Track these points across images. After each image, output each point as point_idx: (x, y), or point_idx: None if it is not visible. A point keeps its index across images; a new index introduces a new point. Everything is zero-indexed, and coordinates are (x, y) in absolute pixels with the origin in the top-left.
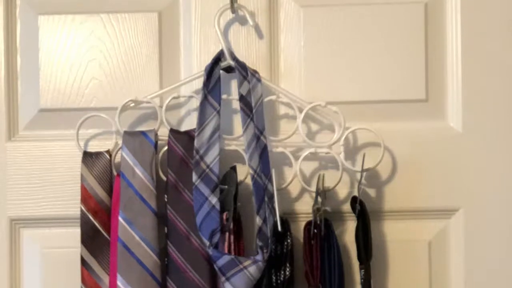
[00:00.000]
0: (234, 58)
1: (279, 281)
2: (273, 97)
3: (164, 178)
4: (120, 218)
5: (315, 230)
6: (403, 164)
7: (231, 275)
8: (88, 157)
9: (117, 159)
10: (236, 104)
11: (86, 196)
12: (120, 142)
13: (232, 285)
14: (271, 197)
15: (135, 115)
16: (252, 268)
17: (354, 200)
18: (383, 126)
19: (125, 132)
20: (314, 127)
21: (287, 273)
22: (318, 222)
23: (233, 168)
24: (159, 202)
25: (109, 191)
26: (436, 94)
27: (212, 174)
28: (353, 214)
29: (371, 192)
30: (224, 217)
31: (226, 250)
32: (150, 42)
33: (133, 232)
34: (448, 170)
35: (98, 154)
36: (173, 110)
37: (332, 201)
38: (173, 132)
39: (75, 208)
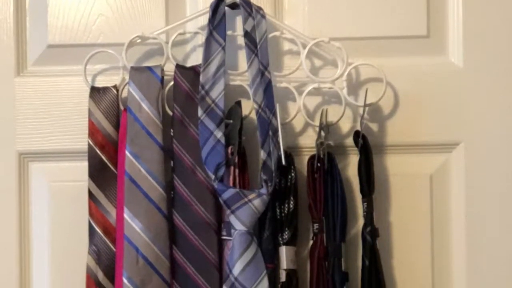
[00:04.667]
0: None
1: (283, 214)
2: (277, 33)
3: (170, 113)
4: (126, 152)
5: (319, 164)
6: (405, 99)
7: (236, 208)
8: (96, 92)
9: (124, 94)
10: (241, 40)
11: (93, 131)
12: (127, 77)
13: (237, 217)
14: (275, 132)
15: (142, 51)
16: (256, 201)
17: (356, 135)
18: (385, 62)
19: (132, 67)
20: (318, 62)
21: (291, 206)
22: (322, 156)
23: (238, 103)
24: (165, 137)
25: (116, 126)
26: (437, 30)
27: (217, 108)
28: (356, 148)
29: (374, 126)
30: (229, 151)
31: (231, 184)
32: None
33: (139, 166)
34: (449, 105)
35: (105, 89)
36: (179, 46)
37: (335, 135)
38: (179, 67)
39: (82, 142)
